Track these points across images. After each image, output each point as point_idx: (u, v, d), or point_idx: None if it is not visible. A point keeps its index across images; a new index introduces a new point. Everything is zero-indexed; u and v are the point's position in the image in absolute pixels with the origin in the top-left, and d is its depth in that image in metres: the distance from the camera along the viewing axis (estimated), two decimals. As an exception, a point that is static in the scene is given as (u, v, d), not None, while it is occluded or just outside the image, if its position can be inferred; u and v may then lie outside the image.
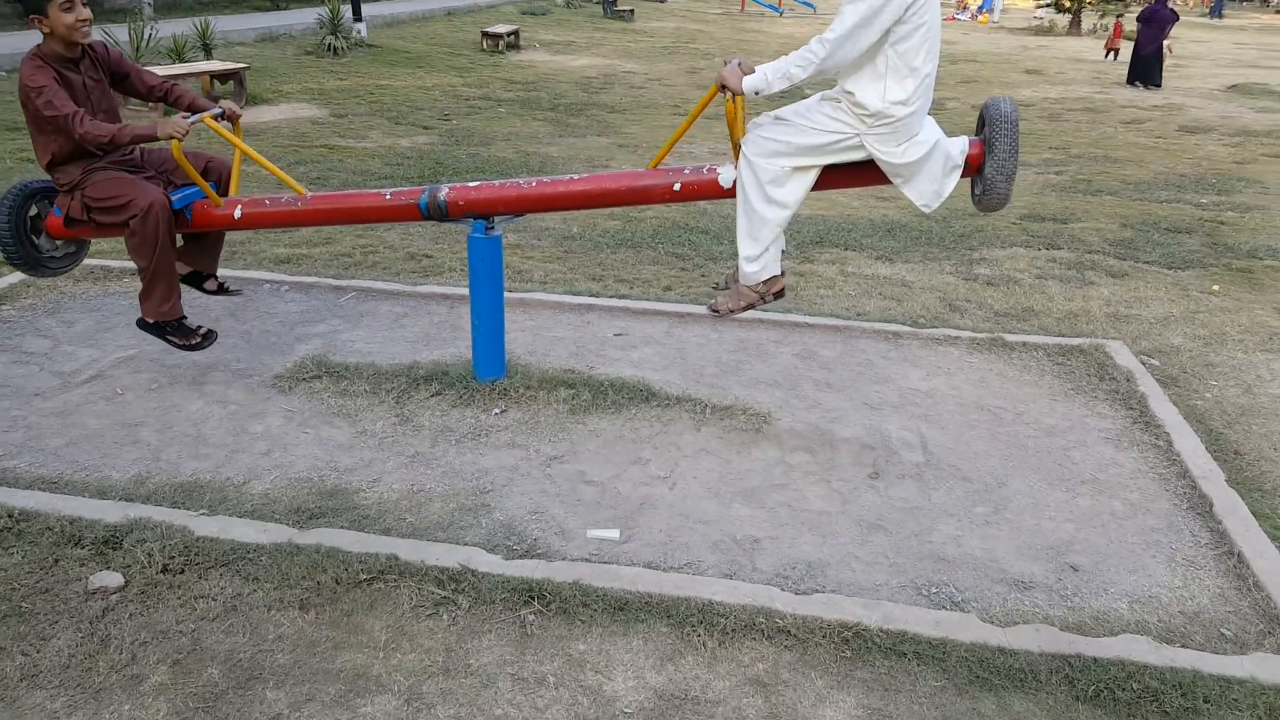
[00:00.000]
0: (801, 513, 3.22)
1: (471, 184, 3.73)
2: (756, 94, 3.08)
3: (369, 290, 5.14)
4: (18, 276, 5.03)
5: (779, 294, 3.47)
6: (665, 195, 3.54)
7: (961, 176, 3.22)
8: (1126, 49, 17.26)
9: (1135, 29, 16.47)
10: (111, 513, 2.99)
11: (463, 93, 12.66)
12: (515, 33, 18.09)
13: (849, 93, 3.04)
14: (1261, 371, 4.58)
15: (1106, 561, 3.00)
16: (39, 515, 2.96)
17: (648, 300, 5.13)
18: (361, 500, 3.22)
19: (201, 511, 3.06)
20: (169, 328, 3.84)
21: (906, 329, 4.77)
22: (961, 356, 4.53)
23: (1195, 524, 3.21)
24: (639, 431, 3.74)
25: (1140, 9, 18.17)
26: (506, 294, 4.20)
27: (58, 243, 3.98)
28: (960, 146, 3.20)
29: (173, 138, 3.47)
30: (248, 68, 10.92)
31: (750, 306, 3.48)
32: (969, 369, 4.39)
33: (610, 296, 5.16)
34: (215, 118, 3.71)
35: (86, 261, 5.27)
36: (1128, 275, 5.95)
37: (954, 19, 32.45)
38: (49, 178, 3.74)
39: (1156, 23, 15.87)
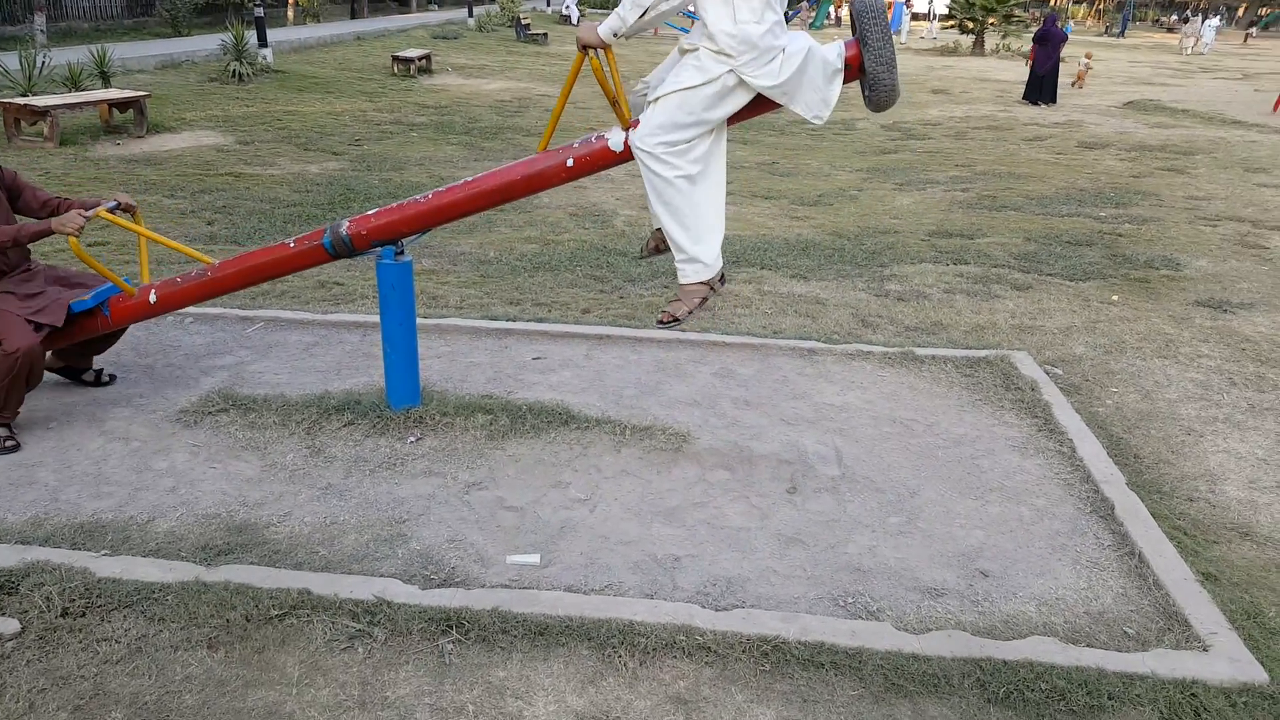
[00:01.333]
0: (721, 530, 3.24)
1: (370, 212, 3.69)
2: (616, 36, 3.03)
3: (277, 320, 5.00)
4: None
5: (722, 279, 3.38)
6: (560, 174, 3.46)
7: (846, 82, 3.18)
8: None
9: (1030, 49, 17.35)
10: (6, 557, 2.84)
11: (374, 118, 12.50)
12: (427, 57, 17.97)
13: (704, 24, 2.99)
14: (1159, 377, 4.80)
15: (1015, 566, 3.08)
16: (-76, 564, 2.79)
17: (566, 323, 5.12)
18: (272, 535, 3.11)
19: (103, 552, 2.92)
20: None
21: (821, 345, 4.86)
22: (874, 371, 4.63)
23: (1098, 527, 3.33)
24: (558, 455, 3.72)
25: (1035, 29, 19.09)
26: (421, 320, 4.14)
27: None
28: (837, 50, 3.12)
29: (68, 233, 3.51)
30: (148, 95, 10.57)
31: (704, 301, 3.35)
32: (881, 383, 4.49)
33: (528, 320, 5.13)
34: (111, 210, 3.75)
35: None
36: (1031, 288, 6.19)
37: (862, 43, 33.51)
38: None
39: (1050, 42, 16.75)
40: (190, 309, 5.06)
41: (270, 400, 4.01)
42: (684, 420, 4.02)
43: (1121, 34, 43.82)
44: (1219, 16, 41.57)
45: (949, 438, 3.95)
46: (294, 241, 3.74)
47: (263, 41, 15.82)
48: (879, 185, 9.70)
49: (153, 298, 3.85)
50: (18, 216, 3.76)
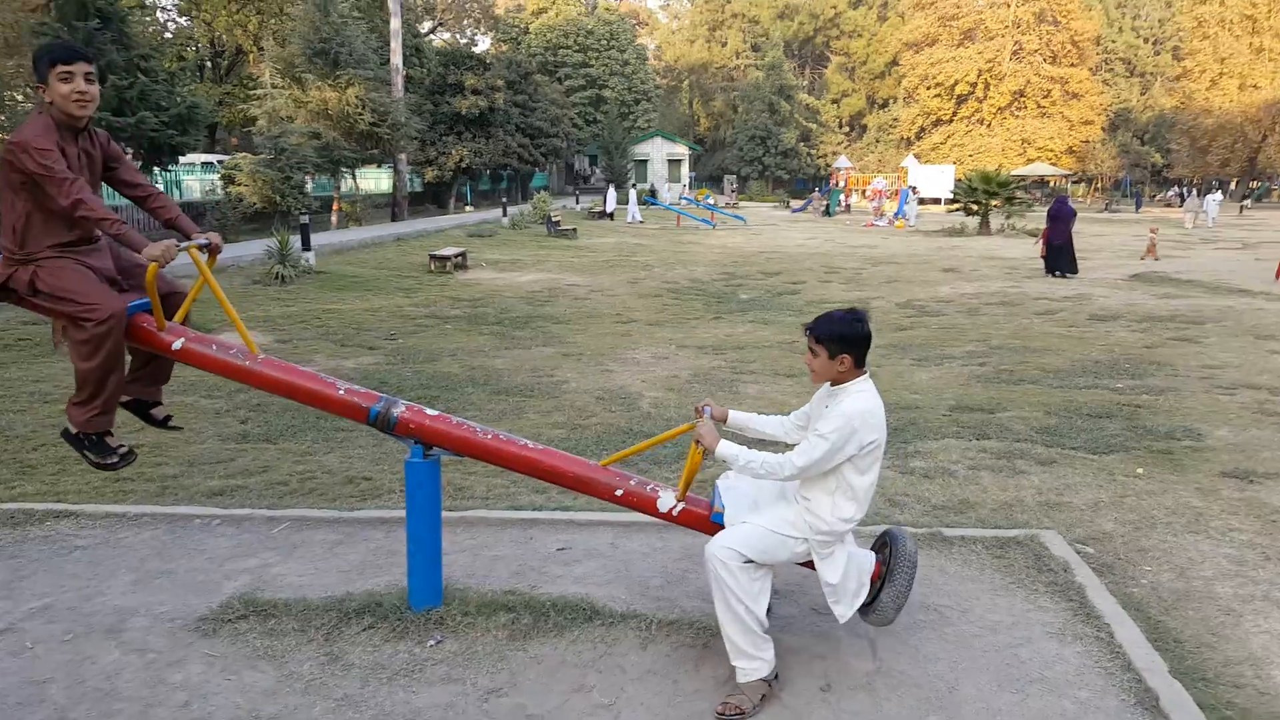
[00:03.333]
0: (752, 734, 3.10)
1: (430, 410, 3.75)
2: (724, 461, 3.36)
3: (304, 519, 5.04)
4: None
5: (775, 676, 3.37)
6: (605, 495, 3.69)
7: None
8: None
9: (1044, 226, 18.19)
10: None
11: (409, 312, 13.04)
12: (462, 254, 18.90)
13: (806, 499, 3.38)
14: (1191, 554, 4.67)
15: (1065, 767, 2.91)
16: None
17: (591, 511, 5.11)
18: (284, 753, 3.02)
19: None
20: (88, 441, 3.69)
21: (847, 529, 4.79)
22: (903, 554, 4.54)
23: (1145, 720, 3.16)
24: (582, 655, 3.63)
25: (1046, 207, 20.11)
26: (446, 513, 4.16)
27: None
28: (868, 564, 3.52)
29: (155, 261, 3.44)
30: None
31: (764, 698, 3.29)
32: (911, 567, 4.39)
33: (554, 509, 5.14)
34: (200, 247, 3.69)
35: (4, 506, 5.12)
36: (1055, 462, 6.14)
37: (873, 225, 35.01)
38: None
39: (1062, 218, 17.65)
40: (218, 510, 5.14)
41: (291, 604, 3.98)
42: (712, 612, 3.90)
43: (1138, 209, 47.20)
44: (1220, 191, 43.58)
45: (984, 625, 3.83)
46: (344, 389, 3.74)
47: (306, 245, 16.81)
48: (897, 361, 9.85)
49: (178, 345, 3.71)
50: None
